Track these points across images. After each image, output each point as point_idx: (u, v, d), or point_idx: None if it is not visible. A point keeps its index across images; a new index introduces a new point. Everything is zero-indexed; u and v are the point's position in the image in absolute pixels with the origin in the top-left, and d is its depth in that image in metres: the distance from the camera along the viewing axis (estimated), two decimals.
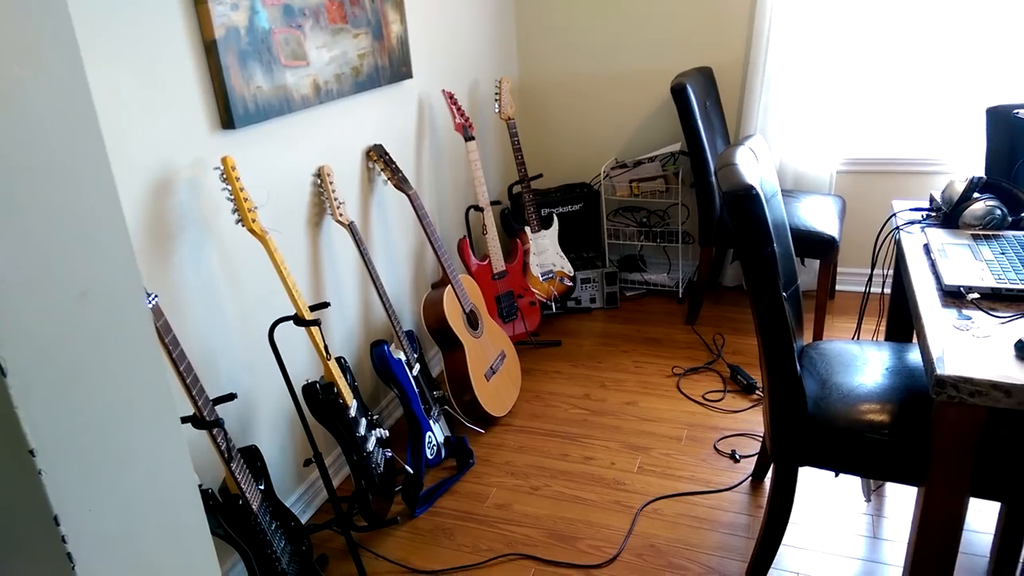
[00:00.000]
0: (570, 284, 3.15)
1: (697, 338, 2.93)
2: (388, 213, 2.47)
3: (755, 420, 2.37)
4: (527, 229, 3.04)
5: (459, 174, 2.99)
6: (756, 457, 2.15)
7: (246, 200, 1.67)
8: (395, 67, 2.40)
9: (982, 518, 1.87)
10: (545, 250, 3.09)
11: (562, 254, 3.13)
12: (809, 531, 1.88)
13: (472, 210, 3.02)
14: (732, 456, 2.20)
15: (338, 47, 2.11)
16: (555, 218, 3.15)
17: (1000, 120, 2.07)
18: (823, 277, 2.69)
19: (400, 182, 2.30)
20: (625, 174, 3.29)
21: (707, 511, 1.98)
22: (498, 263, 2.81)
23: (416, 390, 2.11)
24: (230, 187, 1.66)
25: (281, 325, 1.90)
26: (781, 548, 1.83)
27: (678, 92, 2.75)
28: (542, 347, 2.97)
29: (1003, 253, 1.57)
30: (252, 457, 1.56)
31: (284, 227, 1.95)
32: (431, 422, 2.15)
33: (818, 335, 2.76)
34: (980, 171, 2.12)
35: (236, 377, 1.79)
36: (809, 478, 2.06)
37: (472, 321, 2.41)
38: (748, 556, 1.82)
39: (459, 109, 2.69)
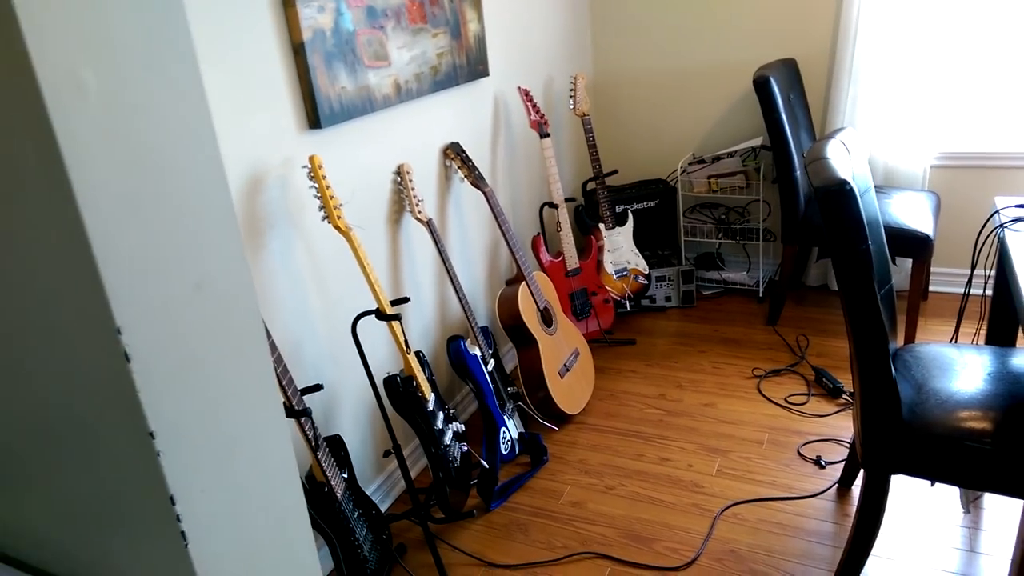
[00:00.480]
0: (645, 282, 3.11)
1: (779, 339, 2.84)
2: (464, 210, 2.49)
3: (841, 425, 2.28)
4: (601, 226, 3.01)
5: (534, 171, 2.99)
6: (843, 464, 2.06)
7: (332, 198, 1.72)
8: (472, 65, 2.42)
9: None
10: (619, 247, 3.05)
11: (637, 251, 3.09)
12: (900, 542, 1.79)
13: (546, 207, 3.01)
14: (817, 462, 2.12)
15: (418, 47, 2.14)
16: (630, 215, 3.11)
17: None
18: (916, 277, 2.56)
19: (476, 179, 2.32)
20: (703, 170, 3.22)
21: (790, 517, 1.91)
22: (572, 260, 2.80)
23: (491, 386, 2.13)
24: (316, 185, 1.71)
25: (363, 319, 1.95)
26: (870, 559, 1.75)
27: (761, 85, 2.67)
28: (616, 345, 2.94)
29: None
30: (336, 446, 1.60)
31: (366, 224, 2.00)
32: (505, 418, 2.16)
33: (910, 338, 2.63)
34: None
35: (321, 369, 1.85)
36: (901, 487, 1.97)
37: (546, 318, 2.41)
38: (833, 565, 1.75)
39: (534, 106, 2.69)
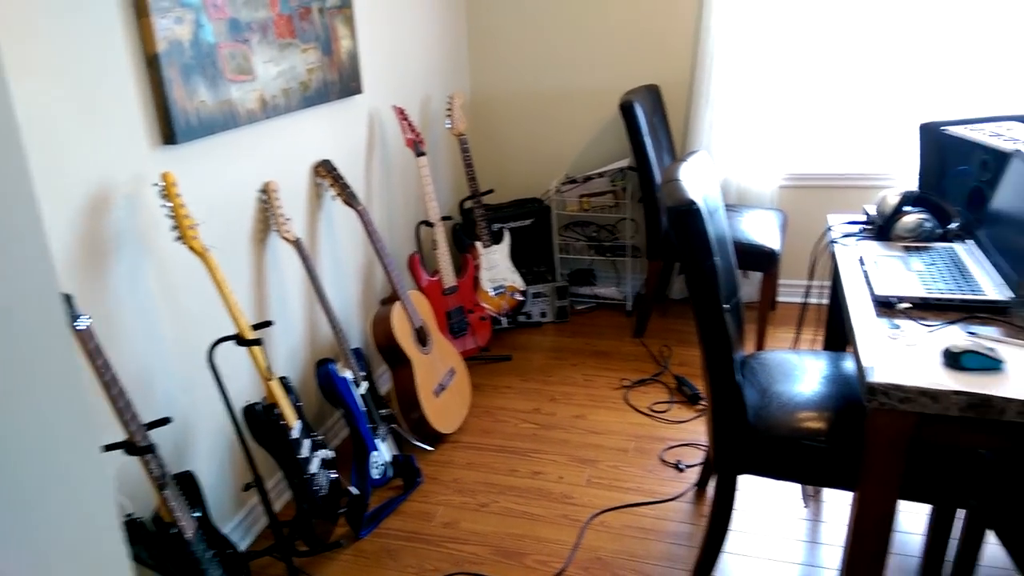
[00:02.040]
0: (521, 299, 3.16)
1: (645, 350, 2.97)
2: (336, 229, 2.45)
3: (700, 430, 2.41)
4: (478, 244, 3.04)
5: (410, 190, 2.98)
6: (700, 467, 2.18)
7: (186, 217, 1.64)
8: (345, 82, 2.40)
9: (914, 520, 1.93)
10: (496, 265, 3.10)
11: (513, 269, 3.15)
12: (750, 538, 1.91)
13: (423, 225, 3.01)
14: (677, 466, 2.23)
15: (286, 62, 2.09)
16: (506, 233, 3.17)
17: (931, 136, 2.16)
18: (765, 289, 2.76)
19: (349, 198, 2.28)
20: (575, 189, 3.33)
21: (652, 522, 2.00)
22: (449, 278, 2.81)
23: (363, 409, 2.09)
24: (170, 204, 1.62)
25: (222, 345, 1.86)
26: (723, 556, 1.86)
27: (626, 109, 2.81)
28: (493, 362, 2.97)
29: (932, 264, 1.64)
30: (187, 483, 1.52)
31: (227, 244, 1.92)
32: (378, 441, 2.13)
33: (760, 345, 2.82)
34: (915, 185, 2.21)
35: (174, 399, 1.74)
36: (751, 486, 2.10)
37: (421, 337, 2.40)
38: (692, 565, 1.84)
39: (410, 124, 2.69)
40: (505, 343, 3.12)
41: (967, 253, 1.68)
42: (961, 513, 1.78)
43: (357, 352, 2.17)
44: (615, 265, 3.59)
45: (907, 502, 1.71)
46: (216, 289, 1.82)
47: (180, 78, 1.71)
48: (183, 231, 1.63)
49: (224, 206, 1.90)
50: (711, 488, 2.10)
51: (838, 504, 2.02)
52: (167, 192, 1.62)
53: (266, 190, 2.03)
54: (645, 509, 2.05)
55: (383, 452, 2.14)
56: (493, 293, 3.07)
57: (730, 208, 3.11)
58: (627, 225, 3.47)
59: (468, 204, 3.22)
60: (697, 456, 2.27)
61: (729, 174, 3.20)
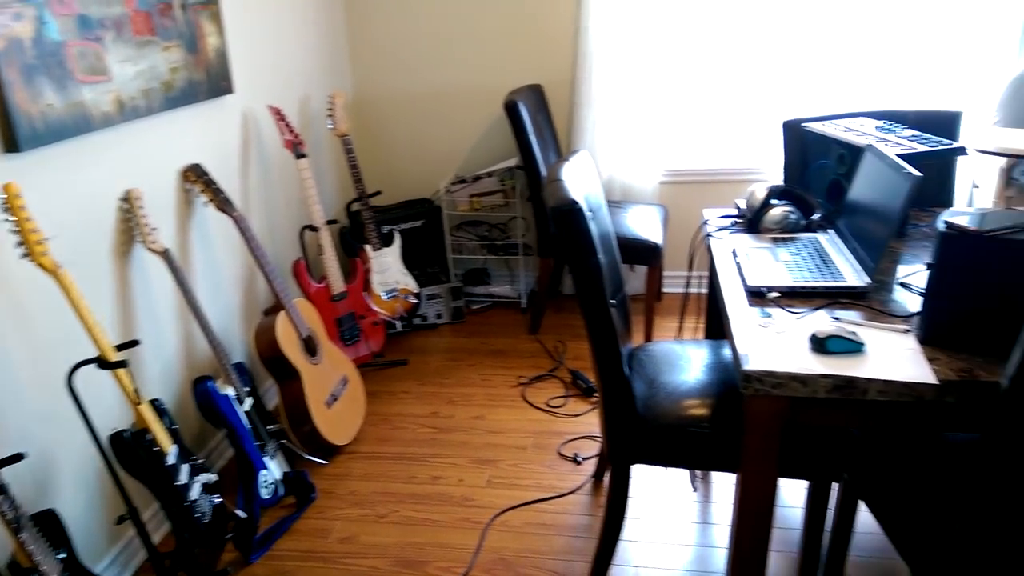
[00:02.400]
0: (415, 301, 3.12)
1: (540, 347, 3.00)
2: (211, 237, 2.31)
3: (595, 422, 2.46)
4: (367, 247, 2.97)
5: (291, 193, 2.87)
6: (596, 458, 2.22)
7: (33, 231, 1.49)
8: (214, 82, 2.27)
9: (794, 494, 2.05)
10: (388, 268, 3.03)
11: (405, 271, 3.09)
12: (646, 524, 1.97)
13: (307, 230, 2.90)
14: (575, 459, 2.26)
15: (145, 61, 1.95)
16: (396, 235, 3.11)
17: (794, 132, 2.30)
18: (651, 281, 2.85)
19: (223, 204, 2.16)
20: (465, 189, 3.32)
21: (553, 517, 2.02)
22: (337, 284, 2.72)
23: (248, 427, 1.99)
24: (13, 218, 1.48)
25: (83, 369, 1.71)
26: (621, 544, 1.90)
27: (511, 108, 2.82)
28: (388, 367, 2.91)
29: (798, 254, 1.73)
30: (49, 523, 1.38)
31: (86, 259, 1.77)
32: (266, 459, 2.03)
33: (649, 336, 2.92)
34: (780, 179, 2.34)
35: (30, 433, 1.59)
36: (644, 473, 2.17)
37: (310, 347, 2.31)
38: (592, 556, 1.87)
39: (288, 125, 2.58)
40: (401, 347, 3.06)
41: (829, 242, 1.79)
42: (836, 486, 1.90)
43: (239, 367, 2.06)
44: (508, 263, 3.60)
45: (786, 479, 1.81)
46: (72, 309, 1.67)
47: (21, 80, 1.56)
48: (30, 247, 1.49)
49: (80, 218, 1.75)
50: (608, 479, 2.15)
51: (725, 484, 2.12)
52: (9, 205, 1.47)
53: (128, 198, 1.89)
54: (545, 505, 2.06)
55: (273, 470, 2.04)
56: (386, 297, 3.01)
57: (615, 204, 3.19)
58: (518, 223, 3.49)
59: (355, 206, 3.14)
60: (594, 448, 2.32)
61: (613, 171, 3.28)
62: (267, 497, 1.99)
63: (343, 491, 2.17)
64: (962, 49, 2.90)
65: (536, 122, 3.00)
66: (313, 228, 2.68)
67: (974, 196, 2.95)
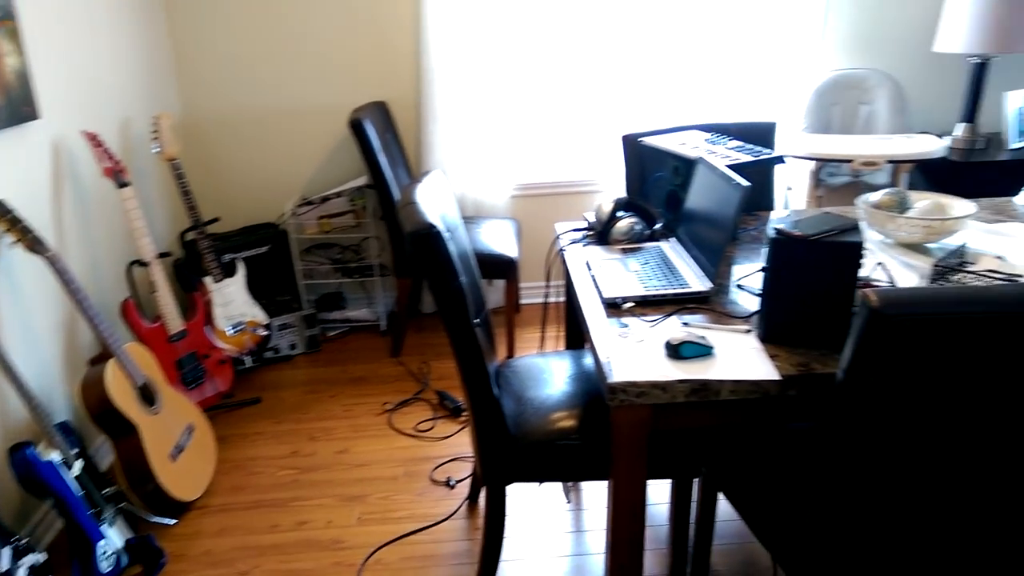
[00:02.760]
0: (265, 333, 2.94)
1: (403, 369, 2.93)
2: (20, 282, 2.04)
3: (464, 441, 2.44)
4: (207, 279, 2.76)
5: (115, 226, 2.61)
6: (470, 479, 2.20)
7: None
8: (14, 107, 2.01)
9: (658, 492, 2.14)
10: (232, 300, 2.84)
11: (253, 302, 2.91)
12: (523, 541, 1.97)
13: (135, 266, 2.65)
14: (448, 483, 2.22)
15: None
16: (240, 264, 2.92)
17: (632, 146, 2.41)
18: (509, 295, 2.88)
19: (32, 243, 1.92)
20: (313, 211, 3.18)
21: (430, 547, 1.97)
22: (175, 323, 2.51)
23: (79, 494, 1.76)
24: None
25: None
26: (501, 564, 1.89)
27: (356, 127, 2.74)
28: (239, 408, 2.72)
29: (646, 263, 1.81)
30: None
31: None
32: (104, 528, 1.81)
33: (511, 349, 2.94)
34: (623, 191, 2.44)
35: None
36: (517, 490, 2.17)
37: (147, 396, 2.10)
38: None
39: (107, 152, 2.35)
40: (252, 384, 2.87)
41: (672, 250, 1.89)
42: (696, 481, 2.00)
43: (64, 426, 1.83)
44: (364, 286, 3.50)
45: (652, 480, 1.89)
46: None
47: None
48: None
49: None
50: (483, 499, 2.13)
51: (594, 490, 2.17)
52: None
53: None
54: (421, 535, 2.01)
55: (112, 539, 1.83)
56: (232, 331, 2.81)
57: (468, 220, 3.19)
58: (372, 244, 3.40)
59: (190, 236, 2.91)
60: (466, 469, 2.29)
61: (464, 187, 3.28)
62: (108, 570, 1.78)
63: (196, 551, 1.98)
64: (771, 63, 3.20)
65: (384, 140, 2.94)
66: (142, 263, 2.45)
67: (789, 198, 3.25)
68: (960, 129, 3.05)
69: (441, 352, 3.06)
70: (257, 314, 2.92)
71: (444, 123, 3.17)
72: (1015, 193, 2.93)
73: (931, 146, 2.71)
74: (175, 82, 3.16)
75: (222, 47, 3.13)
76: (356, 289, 3.51)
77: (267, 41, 3.13)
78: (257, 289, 3.12)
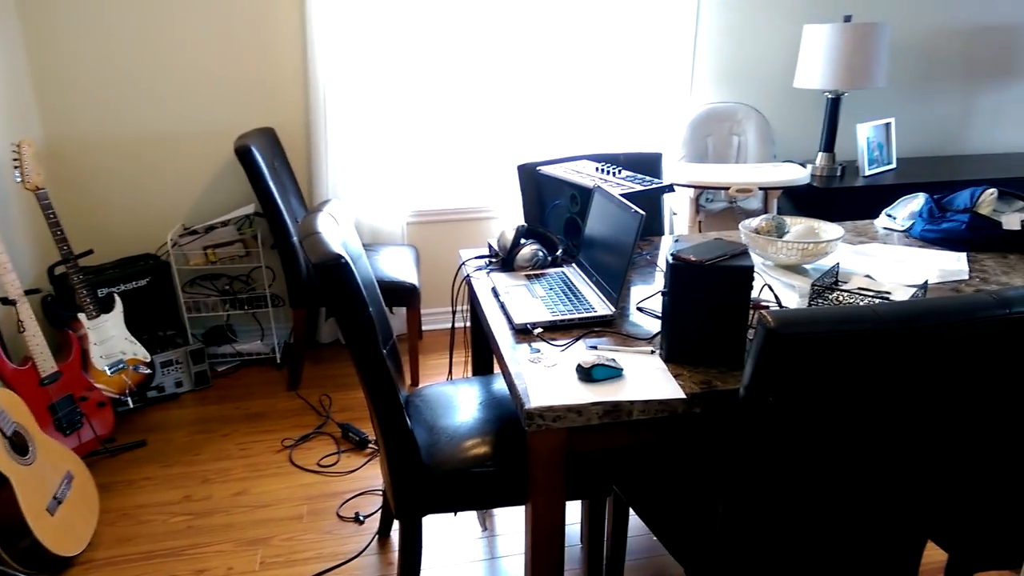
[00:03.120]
0: (148, 371, 2.76)
1: (303, 403, 2.84)
2: None
3: (372, 475, 2.39)
4: (82, 316, 2.57)
5: None
6: (380, 513, 2.16)
7: None
8: None
9: (571, 511, 2.19)
10: (110, 337, 2.65)
11: (132, 339, 2.73)
12: (439, 573, 1.95)
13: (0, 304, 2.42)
14: (357, 519, 2.17)
15: None
16: (117, 298, 2.73)
17: (528, 175, 2.48)
18: (411, 322, 2.86)
19: None
20: (197, 241, 3.04)
21: None
22: (46, 364, 2.31)
23: None
24: None
25: None
26: None
27: (243, 154, 2.65)
28: (122, 453, 2.53)
29: (551, 288, 1.86)
30: None
31: None
32: None
33: (415, 378, 2.92)
34: (521, 218, 2.50)
35: None
36: (429, 521, 2.15)
37: (18, 446, 1.92)
38: None
39: None
40: (136, 427, 2.68)
41: (574, 276, 1.96)
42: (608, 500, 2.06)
43: None
44: (256, 317, 3.36)
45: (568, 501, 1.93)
46: None
47: None
48: None
49: None
50: (395, 532, 2.09)
51: (508, 516, 2.18)
52: None
53: None
54: (331, 575, 1.94)
55: None
56: (110, 371, 2.62)
57: (366, 247, 3.15)
58: (263, 273, 3.28)
59: (61, 270, 2.70)
60: (375, 502, 2.24)
61: (359, 214, 3.24)
62: None
63: None
64: (649, 97, 3.39)
65: (272, 166, 2.86)
66: (7, 301, 2.25)
67: (674, 223, 3.45)
68: (820, 158, 3.36)
69: (342, 383, 2.99)
70: (138, 351, 2.74)
71: (336, 149, 3.13)
72: (874, 216, 3.25)
73: (797, 174, 2.96)
74: (36, 107, 2.94)
75: (90, 69, 2.94)
76: (247, 321, 3.37)
77: (141, 63, 2.97)
78: (137, 325, 2.93)
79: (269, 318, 3.35)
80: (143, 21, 2.93)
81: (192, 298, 3.18)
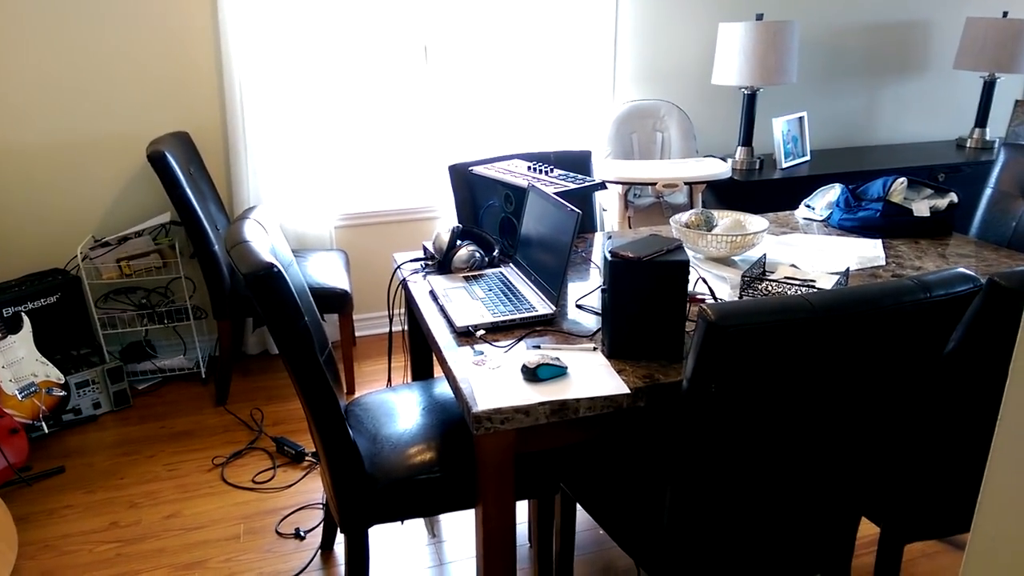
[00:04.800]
0: (62, 393, 2.59)
1: (233, 418, 2.73)
2: None
3: (311, 488, 2.32)
4: None
5: None
6: (322, 526, 2.10)
7: None
8: None
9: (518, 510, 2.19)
10: (18, 359, 2.48)
11: (44, 360, 2.56)
12: None
13: None
14: (297, 535, 2.10)
15: None
16: (25, 317, 2.56)
17: (460, 175, 2.46)
18: (344, 329, 2.80)
19: None
20: (110, 253, 2.88)
21: None
22: None
23: None
24: None
25: None
26: None
27: (156, 160, 2.53)
28: (39, 481, 2.37)
29: (491, 290, 1.85)
30: None
31: None
32: None
33: (351, 386, 2.86)
34: (454, 219, 2.48)
35: None
36: (374, 531, 2.11)
37: None
38: None
39: None
40: (52, 453, 2.52)
41: (512, 275, 1.96)
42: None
43: None
44: (177, 331, 3.21)
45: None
46: None
47: None
48: None
49: None
50: (338, 545, 2.04)
51: (454, 521, 2.16)
52: None
53: None
54: None
55: None
56: (21, 396, 2.45)
57: (294, 253, 3.06)
58: (183, 285, 3.14)
59: None
60: (315, 517, 2.18)
61: (284, 220, 3.15)
62: None
63: None
64: (573, 95, 3.43)
65: (188, 172, 2.74)
66: None
67: (604, 219, 3.50)
68: (740, 152, 3.48)
69: (273, 395, 2.89)
70: (50, 373, 2.57)
71: (256, 152, 3.02)
72: (793, 207, 3.39)
73: (720, 168, 3.06)
74: None
75: None
76: (167, 335, 3.21)
77: (44, 66, 2.79)
78: (48, 344, 2.75)
79: (191, 331, 3.21)
80: (44, 22, 2.74)
81: (107, 314, 3.01)
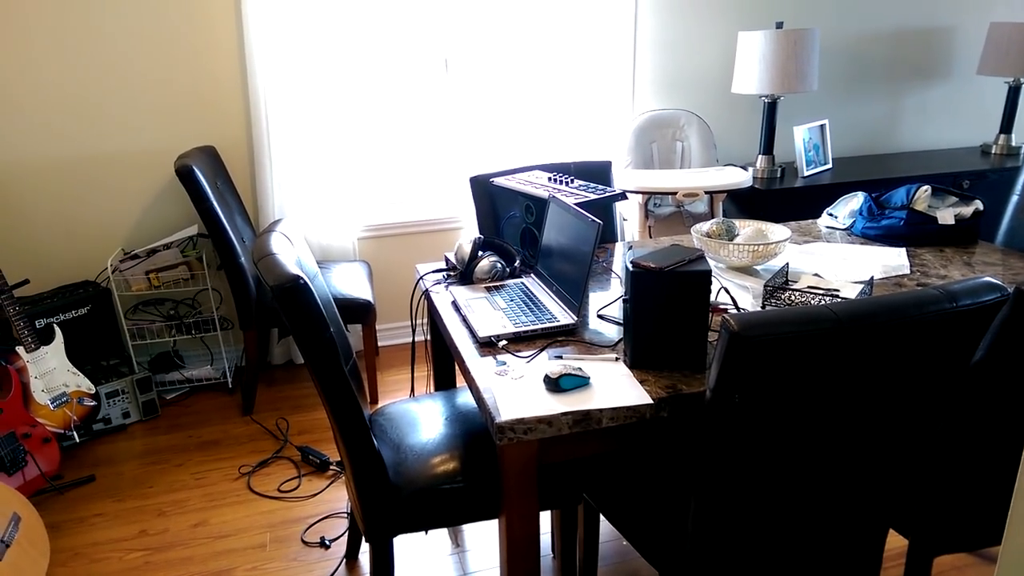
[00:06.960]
0: (93, 403, 2.65)
1: (259, 427, 2.77)
2: None
3: (336, 498, 2.34)
4: (20, 349, 2.45)
5: None
6: (346, 536, 2.12)
7: None
8: None
9: (541, 520, 2.19)
10: (51, 370, 2.54)
11: (75, 370, 2.62)
12: None
13: None
14: (322, 544, 2.12)
15: None
16: (57, 329, 2.62)
17: (481, 186, 2.48)
18: (367, 339, 2.83)
19: None
20: (139, 265, 2.94)
21: None
22: None
23: None
24: None
25: None
26: None
27: (185, 174, 2.58)
28: (70, 489, 2.42)
29: (512, 300, 1.87)
30: None
31: None
32: None
33: (373, 395, 2.88)
34: (475, 229, 2.50)
35: None
36: (398, 540, 2.13)
37: None
38: None
39: None
40: (83, 462, 2.57)
41: (534, 286, 1.97)
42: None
43: None
44: (204, 342, 3.26)
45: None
46: None
47: None
48: None
49: None
50: (364, 554, 2.06)
51: (477, 531, 2.17)
52: None
53: None
54: None
55: None
56: (53, 405, 2.51)
57: (318, 265, 3.10)
58: (210, 296, 3.19)
59: None
60: (340, 526, 2.20)
61: (308, 232, 3.19)
62: None
63: None
64: (594, 105, 3.44)
65: (215, 186, 2.79)
66: None
67: (625, 228, 3.50)
68: (760, 161, 3.47)
69: (298, 405, 2.92)
70: (81, 383, 2.63)
71: (281, 165, 3.07)
72: (815, 215, 3.37)
73: (740, 177, 3.05)
74: None
75: (21, 90, 2.81)
76: (195, 346, 3.27)
77: (75, 83, 2.86)
78: (80, 355, 2.81)
79: (218, 342, 3.26)
80: (75, 41, 2.82)
81: (136, 325, 3.07)
